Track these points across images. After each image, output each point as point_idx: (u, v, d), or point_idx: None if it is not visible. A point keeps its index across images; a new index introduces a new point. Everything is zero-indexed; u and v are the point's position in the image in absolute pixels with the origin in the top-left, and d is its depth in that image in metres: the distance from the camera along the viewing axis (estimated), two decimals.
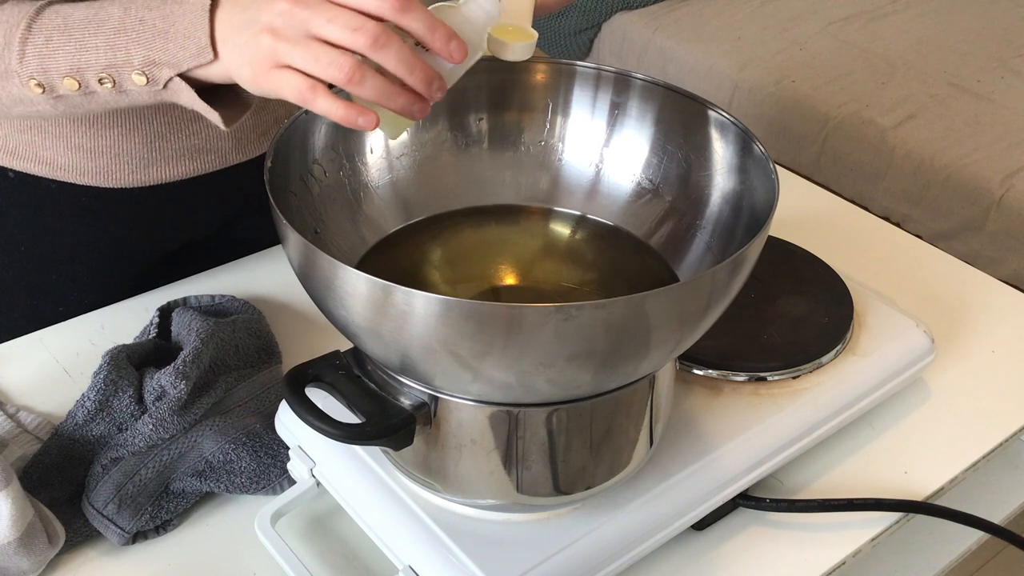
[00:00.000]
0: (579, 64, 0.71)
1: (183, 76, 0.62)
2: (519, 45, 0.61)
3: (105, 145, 0.85)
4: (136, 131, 0.84)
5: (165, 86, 0.63)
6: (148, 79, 0.63)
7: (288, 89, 0.57)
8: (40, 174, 0.86)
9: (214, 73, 0.61)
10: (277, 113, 0.93)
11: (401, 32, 0.56)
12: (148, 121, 0.84)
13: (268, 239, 0.97)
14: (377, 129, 0.59)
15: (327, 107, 0.56)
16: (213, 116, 0.64)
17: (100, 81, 0.64)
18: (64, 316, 0.89)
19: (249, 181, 0.94)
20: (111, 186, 0.87)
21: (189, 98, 0.63)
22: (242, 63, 0.59)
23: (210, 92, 0.64)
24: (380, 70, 0.56)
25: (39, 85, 0.65)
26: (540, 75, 0.72)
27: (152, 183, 0.88)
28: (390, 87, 0.56)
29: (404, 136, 0.71)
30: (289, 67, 0.56)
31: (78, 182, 0.86)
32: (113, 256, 0.93)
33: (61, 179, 0.86)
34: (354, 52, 0.55)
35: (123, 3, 0.63)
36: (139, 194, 0.88)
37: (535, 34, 0.62)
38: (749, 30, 2.38)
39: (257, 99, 0.64)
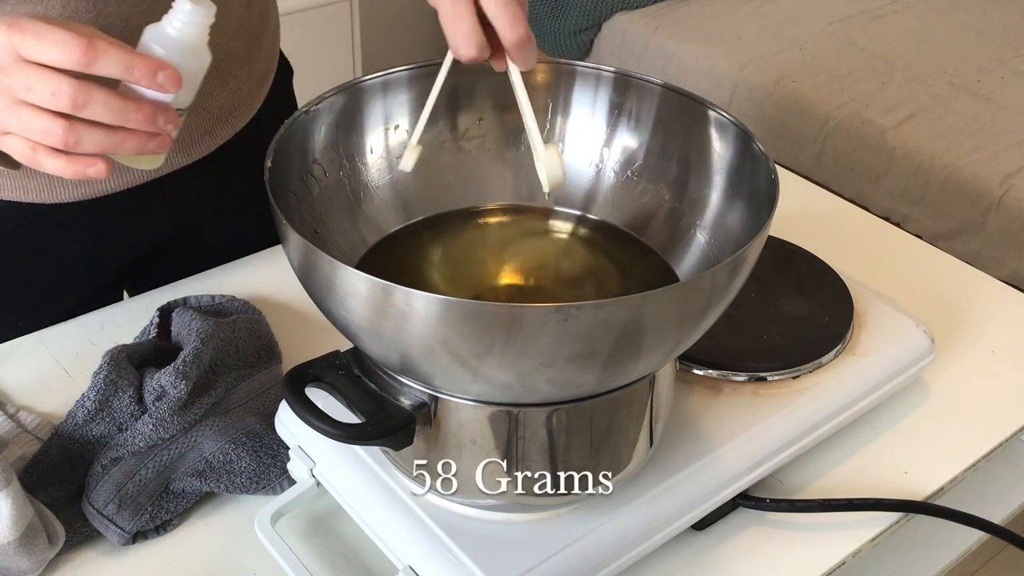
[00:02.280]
0: (579, 64, 0.71)
1: None
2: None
3: None
4: None
5: None
6: None
7: (16, 153, 0.57)
8: None
9: None
10: (221, 111, 0.90)
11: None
12: None
13: (233, 239, 0.96)
14: (133, 164, 0.59)
15: (54, 167, 0.56)
16: None
17: None
18: (23, 331, 0.87)
19: (202, 183, 0.92)
20: (55, 201, 0.85)
21: None
22: None
23: None
24: None
25: None
26: (540, 75, 0.72)
27: (97, 195, 0.86)
28: (113, 136, 0.55)
29: (404, 136, 0.71)
30: (11, 133, 0.56)
31: (22, 200, 0.84)
32: (70, 269, 0.92)
33: (5, 198, 0.84)
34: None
35: None
36: (87, 207, 0.86)
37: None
38: (749, 30, 2.38)
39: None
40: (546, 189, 0.64)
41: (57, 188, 0.84)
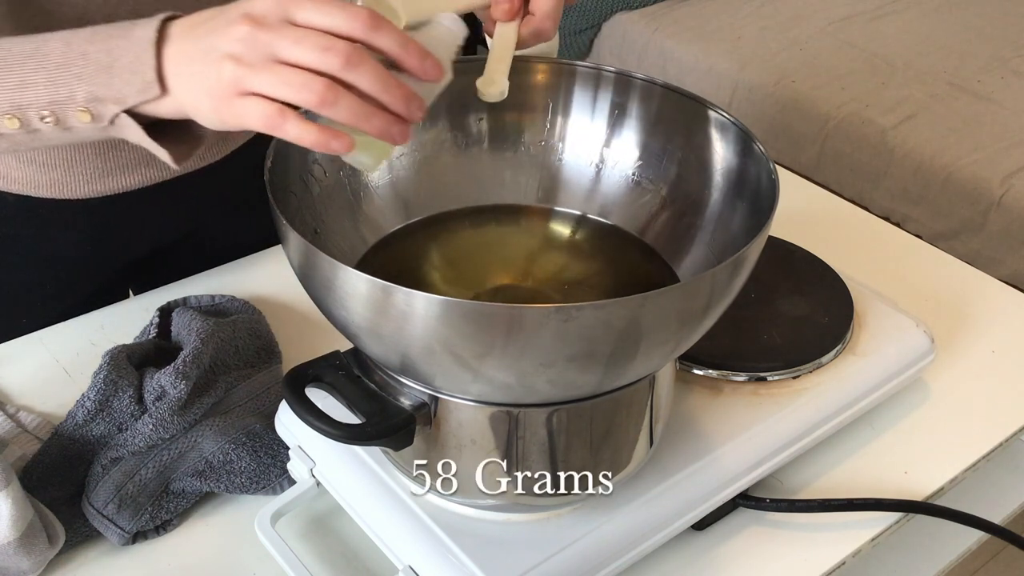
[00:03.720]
0: (579, 64, 0.71)
1: (130, 112, 0.59)
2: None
3: (58, 157, 0.83)
4: (88, 142, 0.82)
5: (112, 122, 0.60)
6: (92, 116, 0.59)
7: (254, 117, 0.54)
8: None
9: (164, 108, 0.58)
10: None
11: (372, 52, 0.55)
12: None
13: (239, 242, 0.96)
14: (355, 161, 0.58)
15: (298, 132, 0.54)
16: (162, 154, 0.61)
17: (43, 119, 0.60)
18: (27, 327, 0.87)
19: (212, 186, 0.93)
20: (67, 197, 0.85)
21: (136, 135, 0.60)
22: (200, 94, 0.56)
23: (160, 125, 0.61)
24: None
25: None
26: (540, 75, 0.72)
27: (108, 193, 0.87)
28: (366, 107, 0.54)
29: None
30: (254, 94, 0.54)
31: (33, 195, 0.85)
32: (76, 265, 0.92)
33: (16, 192, 0.85)
34: (324, 74, 0.53)
35: (65, 37, 0.60)
36: (97, 204, 0.87)
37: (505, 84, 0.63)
38: (749, 30, 2.38)
39: (210, 133, 0.61)
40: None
41: (70, 184, 0.85)
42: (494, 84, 0.62)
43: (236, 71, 0.53)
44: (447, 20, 0.59)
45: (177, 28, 0.57)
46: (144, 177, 0.88)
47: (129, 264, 0.96)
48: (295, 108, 0.54)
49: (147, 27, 0.57)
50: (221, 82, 0.54)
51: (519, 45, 0.64)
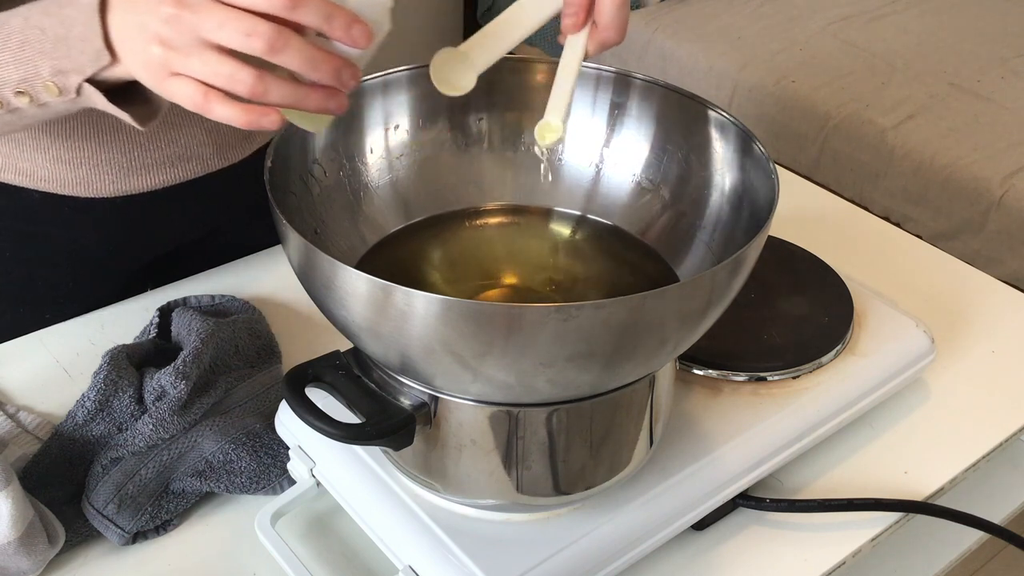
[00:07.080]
0: None
1: (91, 81, 0.59)
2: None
3: (84, 156, 0.84)
4: (115, 141, 0.84)
5: (78, 93, 0.60)
6: (60, 89, 0.60)
7: (182, 97, 0.55)
8: (20, 184, 0.85)
9: (119, 73, 0.59)
10: None
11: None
12: (127, 131, 0.84)
13: (257, 243, 0.97)
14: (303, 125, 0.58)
15: (225, 114, 0.54)
16: (125, 117, 0.61)
17: (18, 96, 0.61)
18: (50, 323, 0.88)
19: (234, 186, 0.93)
20: (92, 196, 0.86)
21: (101, 103, 0.60)
22: (139, 67, 0.57)
23: (131, 89, 0.61)
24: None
25: None
26: (540, 75, 0.72)
27: (133, 192, 0.87)
28: (298, 89, 0.54)
29: (404, 136, 0.71)
30: (184, 75, 0.54)
31: (58, 192, 0.85)
32: (98, 263, 0.93)
33: (42, 189, 0.85)
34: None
35: (23, 13, 0.60)
36: (121, 202, 0.88)
37: (560, 128, 0.64)
38: (749, 30, 2.38)
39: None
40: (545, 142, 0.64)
41: (95, 182, 0.85)
42: (551, 131, 0.63)
43: (164, 54, 0.54)
44: None
45: None
46: (169, 176, 0.88)
47: (150, 263, 0.97)
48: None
49: None
50: (152, 62, 0.55)
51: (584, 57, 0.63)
